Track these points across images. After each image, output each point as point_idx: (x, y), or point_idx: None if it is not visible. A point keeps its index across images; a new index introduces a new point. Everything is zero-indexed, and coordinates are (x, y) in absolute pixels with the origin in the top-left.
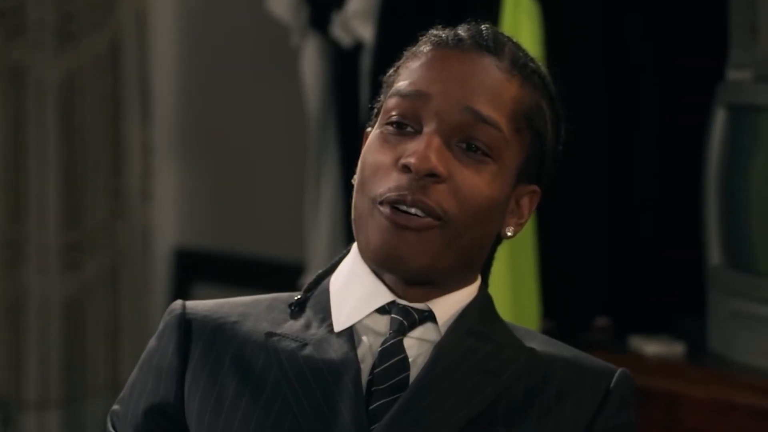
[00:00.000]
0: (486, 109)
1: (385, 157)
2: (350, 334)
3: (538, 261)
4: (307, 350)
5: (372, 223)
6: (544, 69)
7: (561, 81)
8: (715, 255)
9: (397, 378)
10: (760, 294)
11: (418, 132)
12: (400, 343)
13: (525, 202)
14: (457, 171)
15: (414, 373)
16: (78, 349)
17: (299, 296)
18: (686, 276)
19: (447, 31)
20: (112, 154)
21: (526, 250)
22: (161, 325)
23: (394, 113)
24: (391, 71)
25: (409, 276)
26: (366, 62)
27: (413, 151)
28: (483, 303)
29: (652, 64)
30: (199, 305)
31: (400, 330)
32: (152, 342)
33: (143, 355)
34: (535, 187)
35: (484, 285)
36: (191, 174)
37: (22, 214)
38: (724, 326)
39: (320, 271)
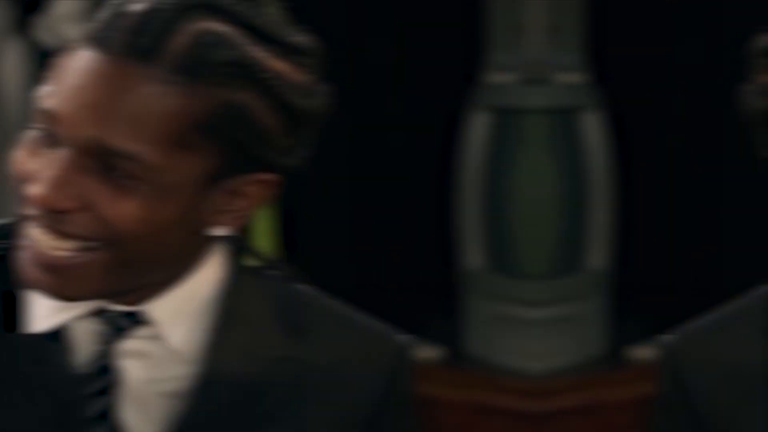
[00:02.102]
0: (121, 141)
1: (31, 167)
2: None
3: None
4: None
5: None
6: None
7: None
8: (474, 258)
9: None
10: (521, 296)
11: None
12: (104, 368)
13: (251, 191)
14: (96, 197)
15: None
16: None
17: None
18: (436, 278)
19: (110, 13)
20: None
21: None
22: None
23: (36, 123)
24: None
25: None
26: None
27: (40, 179)
28: (234, 290)
29: (396, 65)
30: None
31: (109, 341)
32: None
33: None
34: (265, 176)
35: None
36: None
37: None
38: (482, 329)
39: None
